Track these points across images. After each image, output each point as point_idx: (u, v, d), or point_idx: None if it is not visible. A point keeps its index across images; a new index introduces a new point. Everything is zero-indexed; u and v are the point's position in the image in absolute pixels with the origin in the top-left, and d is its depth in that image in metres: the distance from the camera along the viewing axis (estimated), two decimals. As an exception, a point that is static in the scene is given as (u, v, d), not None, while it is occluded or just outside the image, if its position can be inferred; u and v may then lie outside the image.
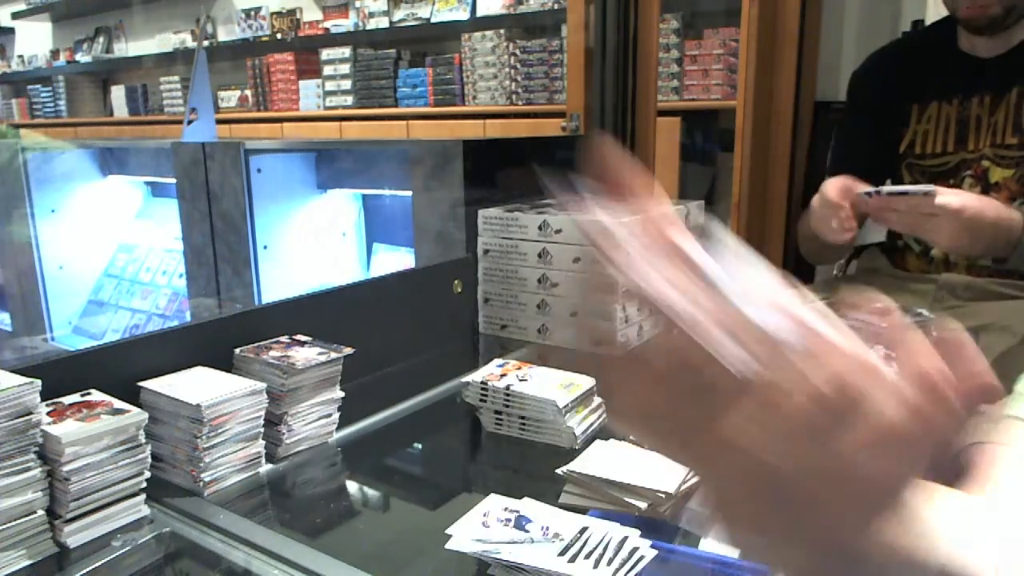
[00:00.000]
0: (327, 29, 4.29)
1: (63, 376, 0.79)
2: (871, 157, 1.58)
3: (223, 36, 4.85)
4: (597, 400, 0.98)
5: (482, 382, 0.98)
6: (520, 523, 0.68)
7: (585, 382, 0.97)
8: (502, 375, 0.99)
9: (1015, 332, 1.32)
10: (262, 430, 0.87)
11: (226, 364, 0.93)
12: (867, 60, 1.65)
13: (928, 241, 1.36)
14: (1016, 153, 1.39)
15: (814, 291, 1.57)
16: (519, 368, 1.01)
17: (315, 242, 2.00)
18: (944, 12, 1.46)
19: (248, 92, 4.70)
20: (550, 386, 0.95)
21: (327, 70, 4.23)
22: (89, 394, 0.79)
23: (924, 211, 1.19)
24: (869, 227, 1.54)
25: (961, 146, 1.45)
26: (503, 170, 1.57)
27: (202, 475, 0.81)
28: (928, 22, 1.96)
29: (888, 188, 1.25)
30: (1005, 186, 1.41)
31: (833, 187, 1.31)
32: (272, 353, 0.93)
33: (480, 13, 3.67)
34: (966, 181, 1.45)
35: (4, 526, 0.67)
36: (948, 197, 1.18)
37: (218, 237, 1.89)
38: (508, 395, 0.95)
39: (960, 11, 1.38)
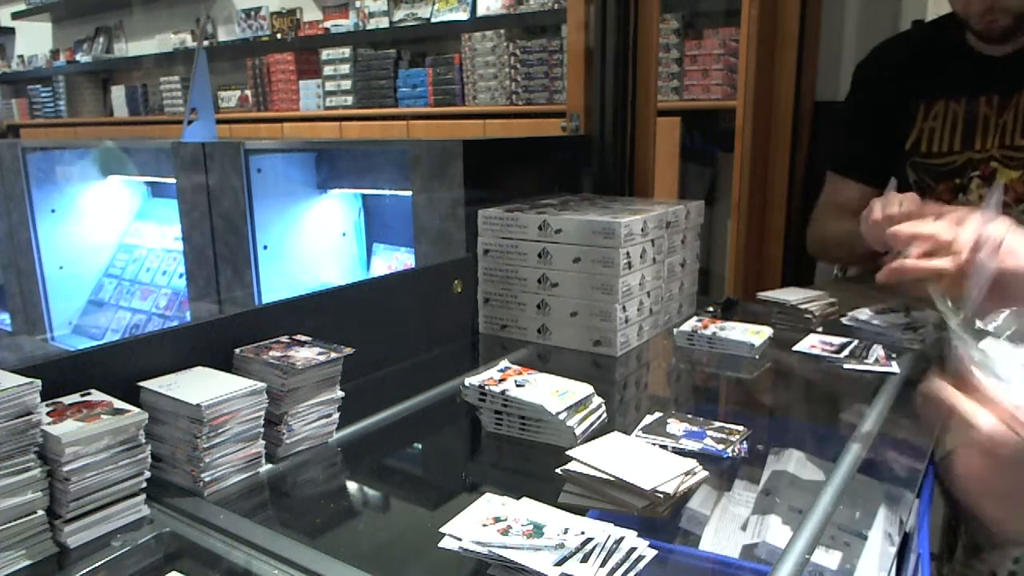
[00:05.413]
0: (327, 29, 4.29)
1: (63, 376, 0.79)
2: (874, 153, 1.56)
3: (223, 36, 4.85)
4: (597, 400, 0.98)
5: (480, 385, 0.98)
6: (519, 523, 0.68)
7: (581, 389, 0.97)
8: (501, 379, 0.99)
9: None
10: (262, 430, 0.87)
11: (226, 364, 0.93)
12: (872, 52, 1.61)
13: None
14: None
15: (813, 290, 1.54)
16: (520, 374, 1.01)
17: (315, 242, 2.00)
18: (948, 8, 1.43)
19: (248, 92, 4.70)
20: (544, 392, 0.95)
21: (327, 70, 4.23)
22: (89, 394, 0.79)
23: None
24: None
25: (968, 146, 1.43)
26: (503, 170, 1.57)
27: (202, 475, 0.81)
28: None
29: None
30: (1012, 188, 1.39)
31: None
32: (272, 353, 0.93)
33: (480, 13, 3.67)
34: (973, 181, 1.43)
35: (4, 526, 0.67)
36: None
37: (218, 237, 1.89)
38: (505, 400, 0.96)
39: (972, 23, 1.36)
